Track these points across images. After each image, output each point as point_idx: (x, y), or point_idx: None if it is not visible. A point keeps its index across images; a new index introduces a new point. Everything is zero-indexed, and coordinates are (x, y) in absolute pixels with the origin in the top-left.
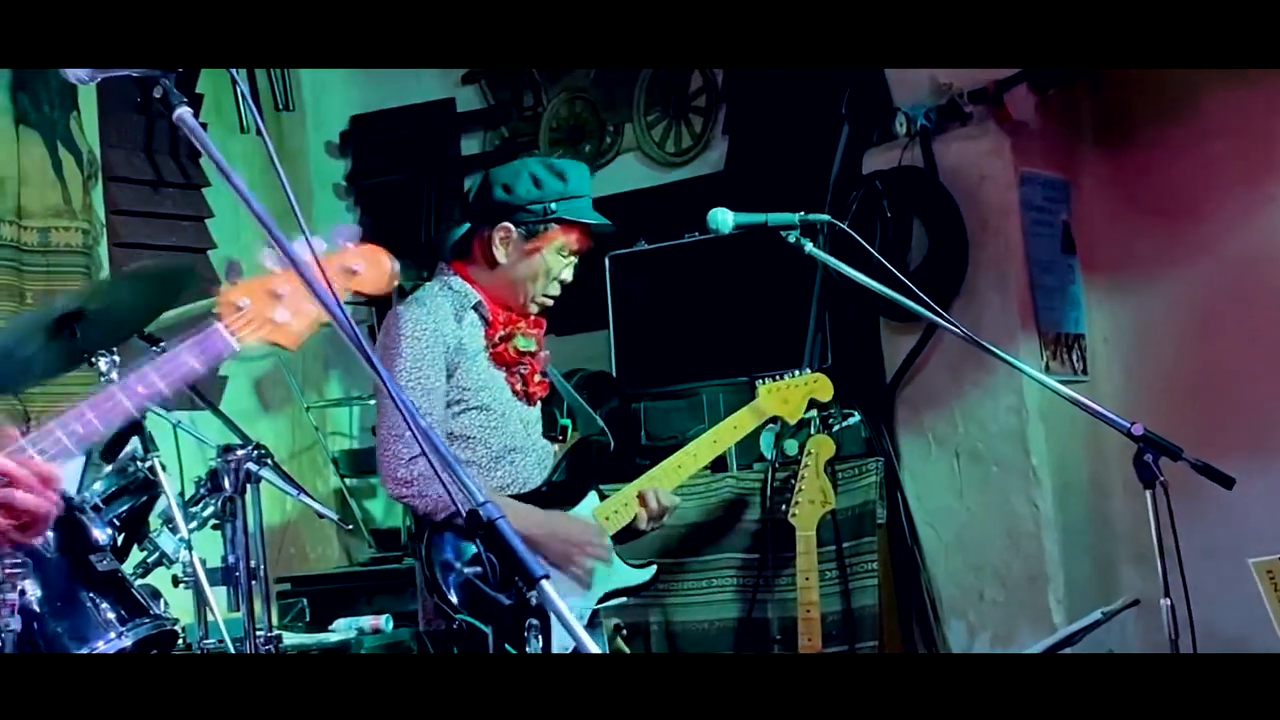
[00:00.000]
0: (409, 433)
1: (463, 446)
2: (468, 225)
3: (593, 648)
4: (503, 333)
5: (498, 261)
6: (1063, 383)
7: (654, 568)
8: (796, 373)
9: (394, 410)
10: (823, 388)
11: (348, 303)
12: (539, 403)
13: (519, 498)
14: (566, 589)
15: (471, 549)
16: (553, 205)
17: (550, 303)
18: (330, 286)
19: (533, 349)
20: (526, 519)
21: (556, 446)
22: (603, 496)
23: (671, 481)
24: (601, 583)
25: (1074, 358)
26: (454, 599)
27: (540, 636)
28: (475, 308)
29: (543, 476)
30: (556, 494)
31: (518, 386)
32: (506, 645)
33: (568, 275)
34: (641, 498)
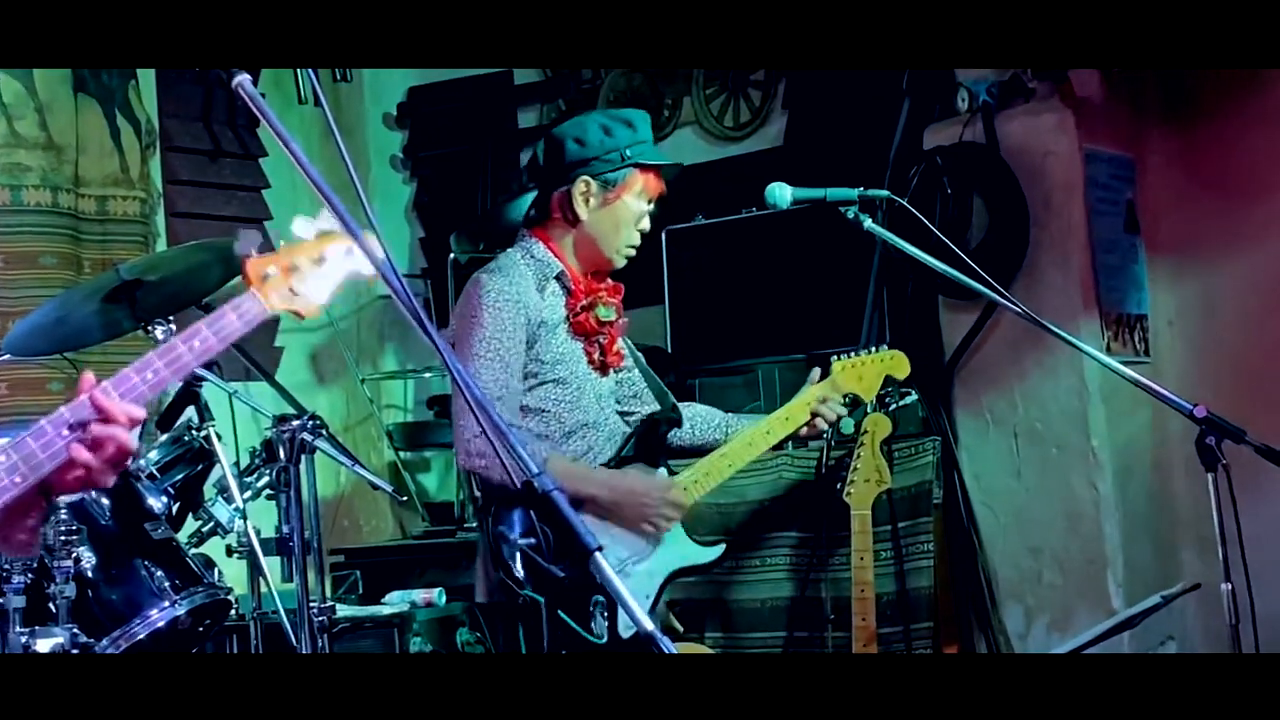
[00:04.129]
0: None
1: (537, 420)
2: (535, 192)
3: (646, 622)
4: (584, 302)
5: (580, 217)
6: (1125, 364)
7: (722, 546)
8: (873, 349)
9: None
10: (899, 364)
11: (406, 275)
12: (612, 375)
13: None
14: (639, 550)
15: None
16: (627, 151)
17: (634, 253)
18: (390, 262)
19: (612, 319)
20: (597, 481)
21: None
22: (672, 473)
23: (743, 458)
24: (669, 561)
25: (1136, 338)
26: (520, 574)
27: (606, 614)
28: (558, 278)
29: (612, 450)
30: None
31: (595, 356)
32: (561, 614)
33: (646, 224)
34: (818, 412)
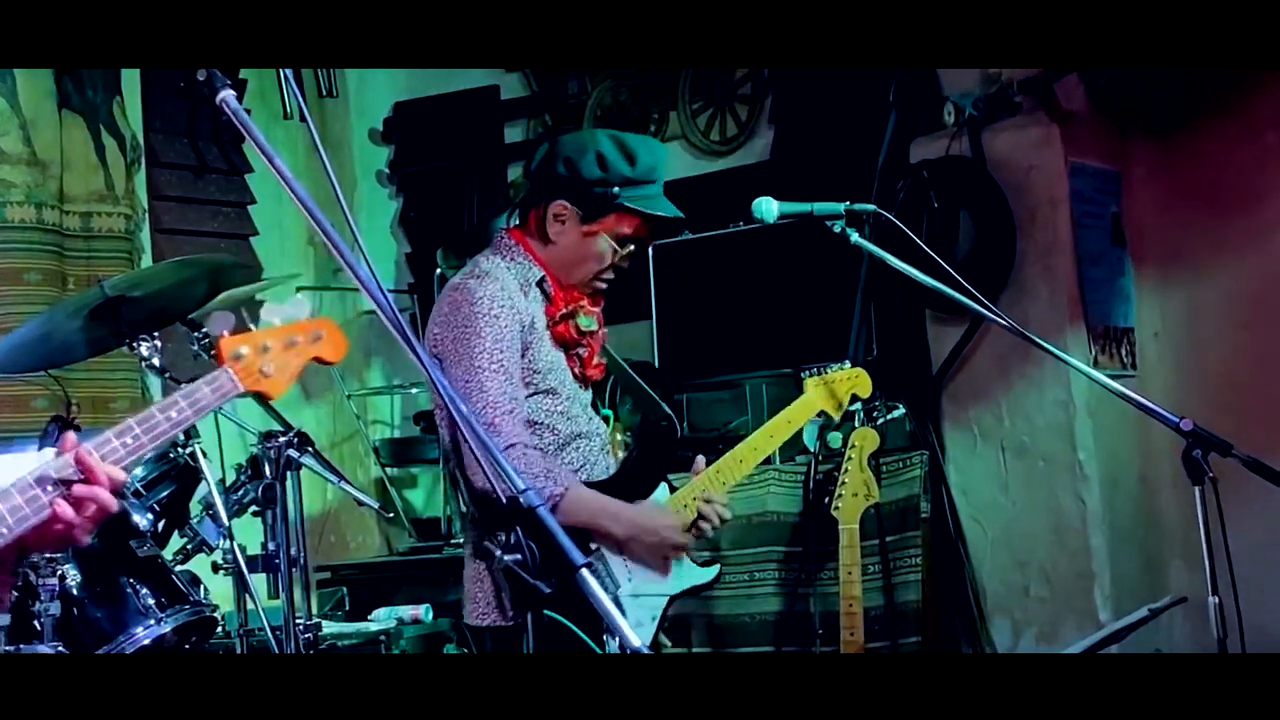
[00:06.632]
0: (496, 423)
1: (530, 431)
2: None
3: (632, 638)
4: (564, 311)
5: (550, 239)
6: (1111, 377)
7: (718, 565)
8: (837, 366)
9: (477, 401)
10: (863, 384)
11: (392, 291)
12: (591, 387)
13: (590, 485)
14: (643, 573)
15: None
16: (615, 189)
17: (604, 286)
18: (375, 277)
19: (593, 329)
20: (608, 516)
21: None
22: (673, 488)
23: (735, 475)
24: (672, 584)
25: (1123, 352)
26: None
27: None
28: (539, 284)
29: (605, 461)
30: (629, 482)
31: (575, 368)
32: (580, 631)
33: (625, 262)
34: (703, 514)
